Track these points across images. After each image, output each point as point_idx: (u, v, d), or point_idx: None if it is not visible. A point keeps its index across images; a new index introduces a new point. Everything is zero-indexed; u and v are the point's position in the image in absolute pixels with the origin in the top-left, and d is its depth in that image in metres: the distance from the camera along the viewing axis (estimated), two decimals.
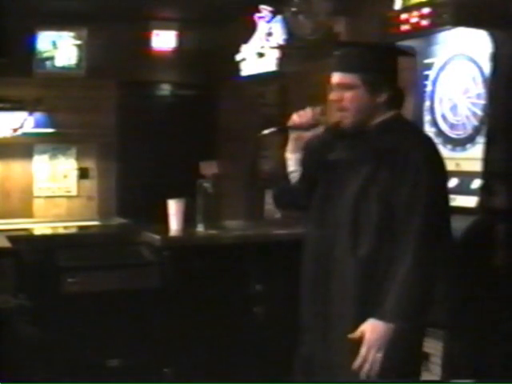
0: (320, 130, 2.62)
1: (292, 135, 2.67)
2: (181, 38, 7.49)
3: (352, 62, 2.52)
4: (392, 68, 2.57)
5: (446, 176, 2.55)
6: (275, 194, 2.83)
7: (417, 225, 2.37)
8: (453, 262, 2.55)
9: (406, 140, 2.48)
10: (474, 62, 3.52)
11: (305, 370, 2.62)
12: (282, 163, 2.71)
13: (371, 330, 2.36)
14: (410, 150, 2.43)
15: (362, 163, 2.49)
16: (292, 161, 2.69)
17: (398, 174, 2.41)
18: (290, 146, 2.69)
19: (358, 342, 2.38)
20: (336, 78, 2.54)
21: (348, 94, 2.50)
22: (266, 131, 2.75)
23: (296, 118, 2.63)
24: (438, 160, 2.51)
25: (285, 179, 2.70)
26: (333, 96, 2.54)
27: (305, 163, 2.67)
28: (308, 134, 2.64)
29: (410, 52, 2.73)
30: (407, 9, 3.64)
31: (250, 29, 6.20)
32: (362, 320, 2.41)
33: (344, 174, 2.53)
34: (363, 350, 2.37)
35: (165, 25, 7.47)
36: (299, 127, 2.63)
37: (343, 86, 2.51)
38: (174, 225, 4.13)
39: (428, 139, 2.68)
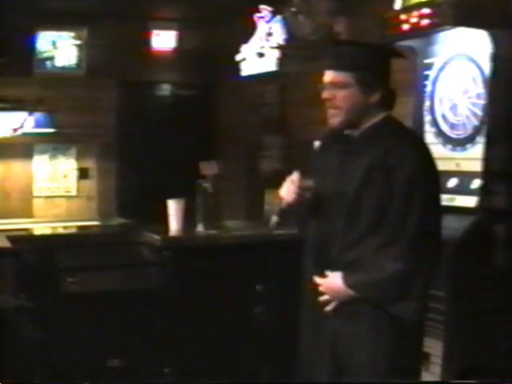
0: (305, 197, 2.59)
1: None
2: (181, 38, 7.49)
3: (346, 61, 2.51)
4: (385, 68, 2.56)
5: (438, 178, 2.54)
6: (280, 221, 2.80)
7: (409, 225, 2.38)
8: (440, 266, 2.55)
9: (397, 142, 2.47)
10: (474, 62, 3.52)
11: (307, 370, 2.62)
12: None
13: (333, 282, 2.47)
14: (401, 153, 2.43)
15: (356, 167, 2.48)
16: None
17: (391, 176, 2.40)
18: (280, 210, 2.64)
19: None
20: (329, 76, 2.53)
21: (341, 93, 2.49)
22: (272, 223, 2.68)
23: (285, 194, 2.57)
24: (430, 162, 2.50)
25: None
26: (325, 94, 2.53)
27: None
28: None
29: (403, 54, 2.72)
30: (407, 9, 3.64)
31: (250, 29, 6.20)
32: (364, 319, 2.42)
33: (340, 179, 2.52)
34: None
35: (165, 25, 7.47)
36: (293, 205, 2.57)
37: (336, 85, 2.50)
38: (174, 225, 4.13)
39: (419, 141, 2.69)
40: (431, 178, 2.49)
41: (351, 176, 2.48)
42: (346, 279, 2.45)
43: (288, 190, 2.56)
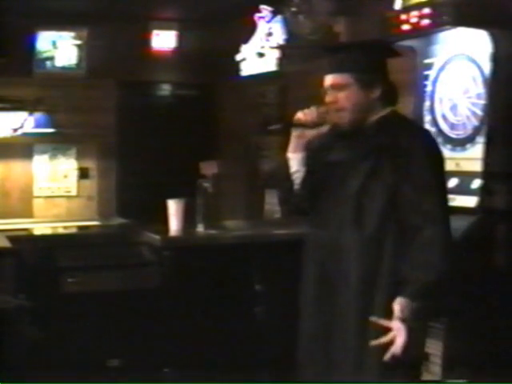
0: (324, 128, 2.62)
1: (294, 133, 2.66)
2: (181, 38, 7.49)
3: (342, 63, 2.54)
4: (382, 64, 2.59)
5: (444, 170, 2.56)
6: (281, 198, 2.83)
7: (432, 213, 2.39)
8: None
9: (406, 134, 2.50)
10: (474, 62, 3.52)
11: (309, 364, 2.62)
12: (285, 164, 2.70)
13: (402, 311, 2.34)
14: (410, 144, 2.45)
15: (363, 160, 2.50)
16: (294, 161, 2.68)
17: (401, 169, 2.42)
18: (291, 145, 2.68)
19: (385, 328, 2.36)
20: (329, 79, 2.57)
21: (342, 94, 2.53)
22: (271, 127, 2.76)
23: (301, 115, 2.64)
24: (438, 152, 2.54)
25: (287, 180, 2.69)
26: (328, 98, 2.57)
27: (307, 165, 2.67)
28: (310, 133, 2.64)
29: (398, 50, 2.73)
30: (407, 9, 3.64)
31: (250, 29, 6.20)
32: (368, 316, 2.41)
33: (346, 173, 2.53)
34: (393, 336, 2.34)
35: (165, 25, 7.47)
36: (304, 125, 2.63)
37: (337, 87, 2.54)
38: (174, 225, 4.13)
39: (427, 132, 2.72)
40: (439, 165, 2.52)
41: (358, 169, 2.49)
42: (405, 293, 2.34)
43: (305, 111, 2.61)
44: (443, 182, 2.53)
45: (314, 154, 2.66)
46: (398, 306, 2.34)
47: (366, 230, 2.45)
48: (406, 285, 2.36)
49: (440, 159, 2.53)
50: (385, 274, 2.43)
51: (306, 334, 2.64)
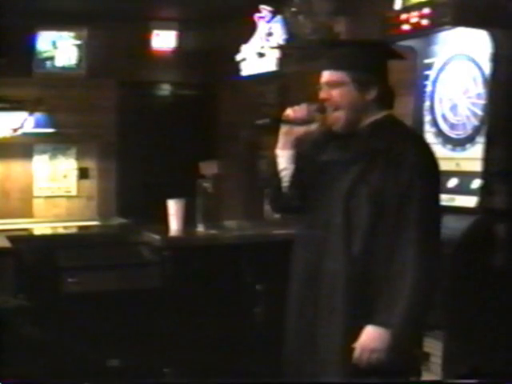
0: (313, 126, 2.59)
1: (282, 129, 2.61)
2: (181, 38, 7.49)
3: (340, 60, 2.51)
4: (381, 65, 2.54)
5: (439, 176, 2.53)
6: (270, 198, 2.79)
7: (414, 227, 2.36)
8: (444, 264, 2.54)
9: (400, 140, 2.46)
10: (474, 62, 3.52)
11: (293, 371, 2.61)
12: (273, 161, 2.66)
13: (370, 337, 2.36)
14: (403, 151, 2.41)
15: (354, 163, 2.47)
16: (283, 158, 2.62)
17: (392, 174, 2.39)
18: (280, 142, 2.63)
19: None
20: (325, 76, 2.53)
21: (336, 92, 2.49)
22: (259, 121, 2.73)
23: (291, 112, 2.61)
24: (432, 160, 2.49)
25: (275, 177, 2.65)
26: (322, 94, 2.53)
27: (297, 163, 2.63)
28: (299, 130, 2.60)
29: (400, 53, 2.71)
30: (407, 9, 3.64)
31: (250, 29, 6.20)
32: (354, 321, 2.40)
33: (336, 175, 2.50)
34: (358, 354, 2.37)
35: (165, 25, 7.47)
36: (293, 121, 2.59)
37: (332, 84, 2.50)
38: (174, 225, 4.13)
39: (421, 139, 2.68)
40: (433, 173, 2.48)
41: (348, 171, 2.46)
42: (377, 321, 2.35)
43: (295, 108, 2.57)
44: (433, 194, 2.46)
45: (304, 153, 2.62)
46: (369, 335, 2.35)
47: (353, 233, 2.42)
48: (383, 311, 2.35)
49: (433, 169, 2.47)
50: (372, 279, 2.40)
51: (292, 333, 2.63)
